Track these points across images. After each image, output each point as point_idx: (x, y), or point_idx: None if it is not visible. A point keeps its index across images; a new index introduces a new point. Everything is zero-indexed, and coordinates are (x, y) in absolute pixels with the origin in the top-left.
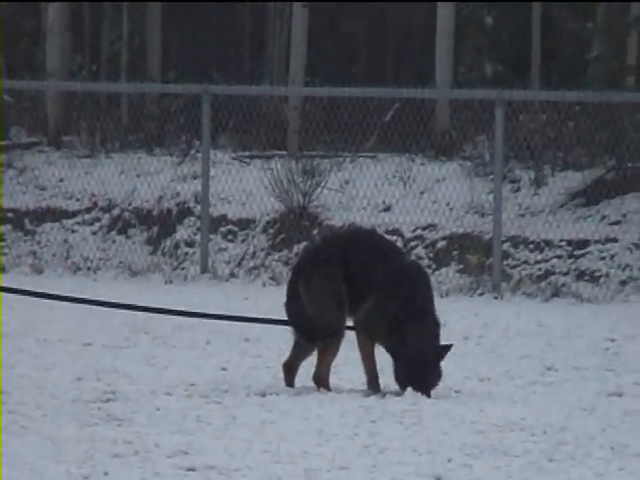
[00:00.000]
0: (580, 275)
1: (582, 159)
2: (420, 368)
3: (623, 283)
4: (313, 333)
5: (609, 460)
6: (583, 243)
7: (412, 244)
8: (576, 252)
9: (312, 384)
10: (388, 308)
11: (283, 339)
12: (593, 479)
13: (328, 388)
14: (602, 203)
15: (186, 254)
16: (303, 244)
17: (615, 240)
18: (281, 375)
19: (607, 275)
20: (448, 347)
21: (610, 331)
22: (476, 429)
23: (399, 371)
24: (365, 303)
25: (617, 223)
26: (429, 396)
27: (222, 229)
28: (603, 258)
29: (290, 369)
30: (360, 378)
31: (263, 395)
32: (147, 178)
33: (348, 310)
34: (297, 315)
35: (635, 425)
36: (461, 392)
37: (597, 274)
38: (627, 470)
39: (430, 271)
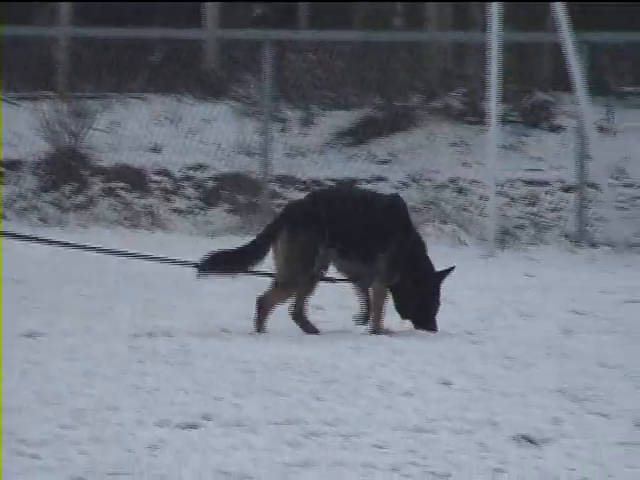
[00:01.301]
0: None
1: (351, 98)
2: (424, 306)
3: None
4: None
5: (377, 398)
6: (351, 182)
7: (181, 184)
8: None
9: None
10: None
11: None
12: (361, 417)
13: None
14: (371, 142)
15: None
16: (73, 185)
17: (383, 179)
18: (48, 316)
19: None
20: (449, 270)
21: None
22: (245, 368)
23: (404, 310)
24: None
25: (385, 162)
26: (436, 330)
27: None
28: None
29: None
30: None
31: (30, 335)
32: None
33: (339, 266)
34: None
35: (402, 364)
36: (230, 331)
37: None
38: (394, 408)
39: (199, 211)
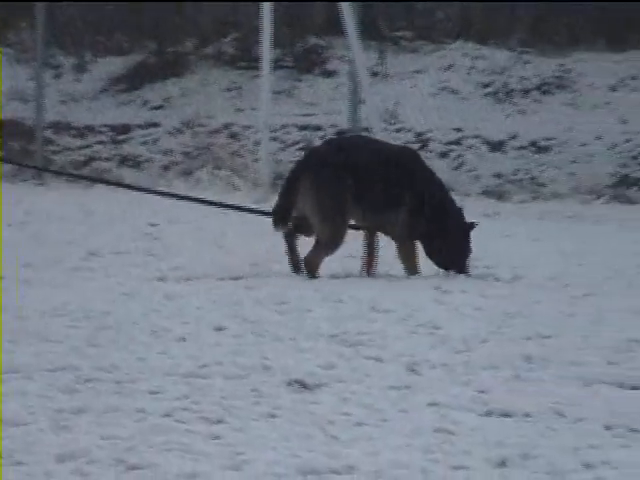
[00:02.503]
0: (123, 160)
1: (123, 44)
2: (456, 251)
3: (165, 168)
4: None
5: (151, 344)
6: (125, 128)
7: None
8: (118, 137)
9: None
10: (417, 211)
11: None
12: (135, 363)
13: (313, 275)
14: (144, 88)
15: None
16: None
17: (157, 125)
18: None
19: (150, 160)
20: (473, 224)
21: (152, 216)
22: (18, 315)
23: (436, 255)
24: (393, 212)
25: (159, 108)
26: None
27: None
28: (145, 143)
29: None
30: None
31: None
32: None
33: (361, 214)
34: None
35: (175, 309)
36: (5, 278)
37: (140, 159)
38: (168, 354)
39: None
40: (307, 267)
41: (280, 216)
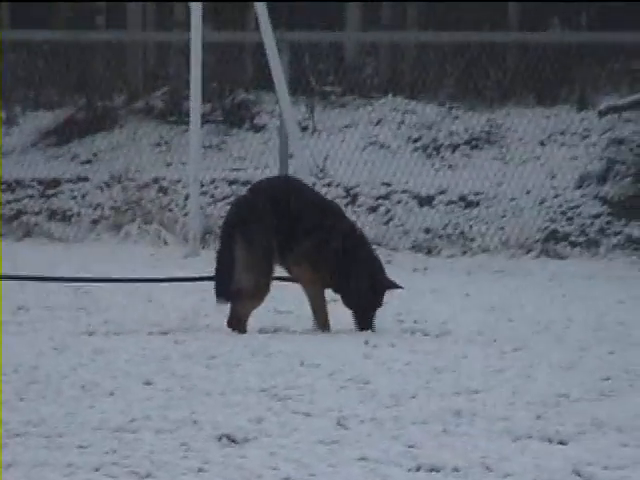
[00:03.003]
0: (52, 214)
1: (53, 98)
2: (362, 302)
3: (94, 222)
4: (237, 285)
5: (79, 398)
6: (54, 182)
7: None
8: (48, 191)
9: None
10: (329, 248)
11: None
12: (64, 417)
13: (243, 330)
14: (73, 142)
15: None
16: None
17: (86, 179)
18: None
19: (79, 214)
20: (396, 285)
21: (82, 270)
22: None
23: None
24: (304, 247)
25: (88, 162)
26: (373, 330)
27: None
28: (74, 197)
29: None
30: None
31: None
32: None
33: (279, 261)
34: (227, 266)
35: (104, 363)
36: None
37: (69, 213)
38: (97, 408)
39: None
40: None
41: (222, 289)
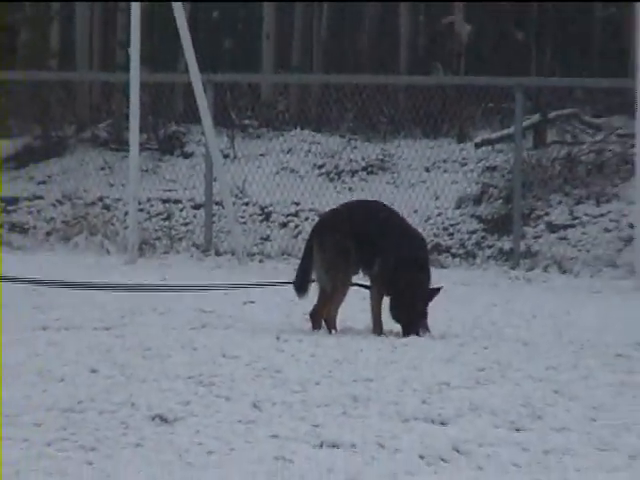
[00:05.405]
0: (12, 227)
1: (13, 129)
2: (408, 309)
3: (48, 234)
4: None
5: (35, 383)
6: (14, 200)
7: None
8: (8, 207)
9: None
10: (391, 264)
11: None
12: (21, 399)
13: (333, 327)
14: (30, 166)
15: None
16: None
17: (41, 197)
18: None
19: (35, 227)
20: (437, 290)
21: (38, 274)
22: None
23: (394, 311)
24: (375, 263)
25: (43, 183)
26: (417, 334)
27: None
28: (31, 212)
29: (315, 316)
30: None
31: None
32: None
33: (361, 267)
34: (307, 270)
35: (56, 354)
36: None
37: (26, 226)
38: (49, 392)
39: None
40: (325, 322)
41: (299, 284)
